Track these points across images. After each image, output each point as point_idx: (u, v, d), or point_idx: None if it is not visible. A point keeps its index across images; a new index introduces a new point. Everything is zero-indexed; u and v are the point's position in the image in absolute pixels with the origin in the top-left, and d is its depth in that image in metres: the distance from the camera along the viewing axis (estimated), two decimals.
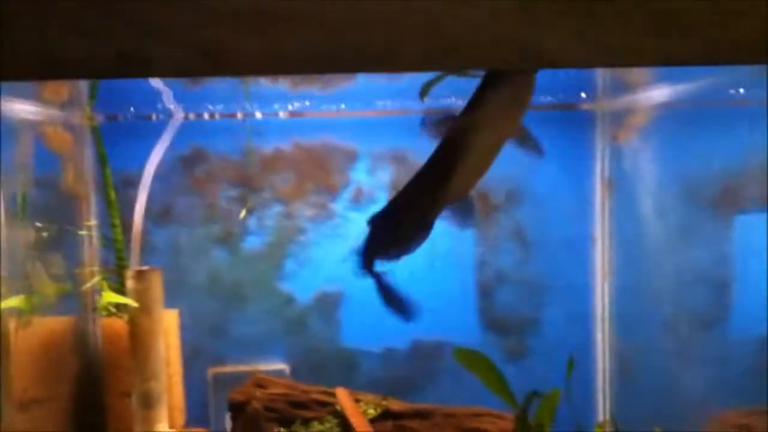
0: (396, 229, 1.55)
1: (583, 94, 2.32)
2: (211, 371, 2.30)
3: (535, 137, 1.46)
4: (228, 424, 2.28)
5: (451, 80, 1.43)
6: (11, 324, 1.89)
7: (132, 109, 2.20)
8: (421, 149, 2.34)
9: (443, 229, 2.36)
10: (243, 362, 2.31)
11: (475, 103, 1.32)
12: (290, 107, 2.26)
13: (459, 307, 2.39)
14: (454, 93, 2.14)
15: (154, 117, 2.20)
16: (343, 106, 2.24)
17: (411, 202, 1.51)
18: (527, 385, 2.18)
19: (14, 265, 1.90)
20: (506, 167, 2.34)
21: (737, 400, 1.97)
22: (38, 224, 1.85)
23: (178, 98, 2.09)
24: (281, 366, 2.32)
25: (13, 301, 1.84)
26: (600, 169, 2.38)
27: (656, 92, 2.11)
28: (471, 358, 1.70)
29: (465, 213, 1.52)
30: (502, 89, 1.27)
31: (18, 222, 1.82)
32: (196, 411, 2.25)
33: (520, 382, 2.26)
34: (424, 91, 1.44)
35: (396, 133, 2.33)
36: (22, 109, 1.84)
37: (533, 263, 2.39)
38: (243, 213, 2.28)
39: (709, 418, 2.04)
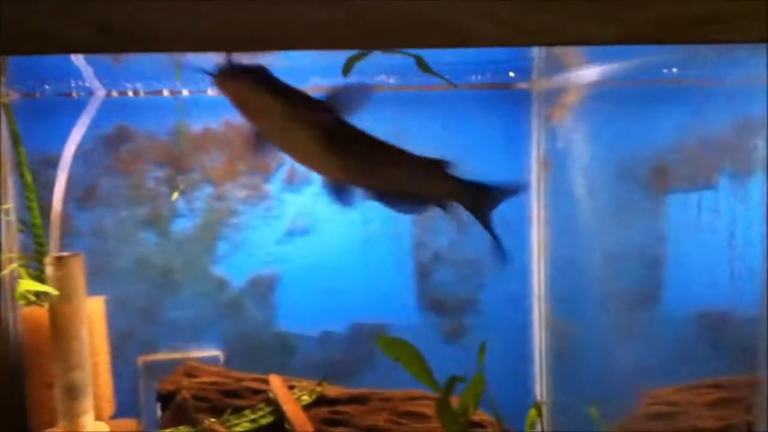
0: None
1: (513, 74, 2.30)
2: (142, 359, 2.22)
3: None
4: (160, 412, 2.22)
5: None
6: None
7: (50, 86, 2.08)
8: (363, 126, 2.30)
9: (378, 211, 2.34)
10: (175, 349, 2.24)
11: None
12: None
13: (397, 288, 2.37)
14: (381, 71, 2.11)
15: (74, 94, 2.08)
16: None
17: None
18: (467, 365, 2.18)
19: None
20: (440, 149, 2.32)
21: (670, 378, 2.00)
22: None
23: (101, 75, 1.98)
24: (215, 352, 2.26)
25: None
26: (536, 148, 2.37)
27: (590, 71, 2.10)
28: (394, 346, 1.67)
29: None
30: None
31: None
32: (127, 400, 2.17)
33: (460, 363, 2.26)
34: (347, 67, 1.39)
35: None
36: None
37: (470, 243, 2.37)
38: (175, 194, 2.19)
39: (640, 395, 2.07)
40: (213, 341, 2.28)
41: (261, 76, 1.23)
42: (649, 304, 2.19)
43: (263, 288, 2.30)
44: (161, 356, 2.23)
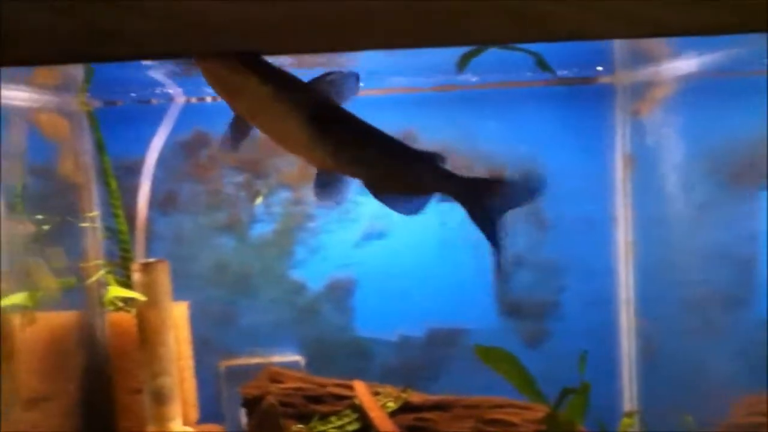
0: None
1: (600, 68, 2.22)
2: (223, 364, 2.23)
3: None
4: (243, 419, 2.22)
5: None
6: (16, 321, 1.81)
7: (131, 93, 2.10)
8: (430, 128, 2.26)
9: (455, 214, 2.29)
10: (255, 354, 2.24)
11: None
12: None
13: (475, 292, 2.31)
14: (470, 69, 2.06)
15: (154, 101, 2.10)
16: None
17: None
18: (548, 372, 2.10)
19: (14, 261, 1.82)
20: (522, 144, 2.26)
21: (763, 383, 1.90)
22: (38, 216, 1.77)
23: (179, 81, 1.99)
24: (296, 357, 2.25)
25: (17, 298, 1.76)
26: (620, 144, 2.28)
27: (679, 63, 2.01)
28: (493, 356, 1.61)
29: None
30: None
31: (17, 215, 1.74)
32: (209, 406, 2.18)
33: (540, 368, 2.19)
34: (463, 63, 1.33)
35: (404, 112, 2.24)
36: (12, 95, 1.74)
37: (551, 245, 2.30)
38: (258, 199, 2.19)
39: (734, 402, 1.98)
40: (291, 346, 2.27)
41: (246, 57, 1.13)
42: (740, 306, 2.09)
43: (340, 292, 2.28)
44: (242, 361, 2.23)
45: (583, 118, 2.30)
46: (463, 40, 1.02)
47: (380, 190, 1.31)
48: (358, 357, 2.28)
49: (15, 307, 1.81)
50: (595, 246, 2.30)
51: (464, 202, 1.34)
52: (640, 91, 2.20)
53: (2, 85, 1.57)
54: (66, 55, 0.89)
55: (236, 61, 1.09)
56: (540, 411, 1.96)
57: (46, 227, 1.78)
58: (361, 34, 0.90)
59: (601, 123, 2.30)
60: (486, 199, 1.33)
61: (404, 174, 1.31)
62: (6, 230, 1.71)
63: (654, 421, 2.16)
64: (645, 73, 2.16)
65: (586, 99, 2.31)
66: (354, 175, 1.27)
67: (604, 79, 2.28)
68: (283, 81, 1.15)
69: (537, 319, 2.33)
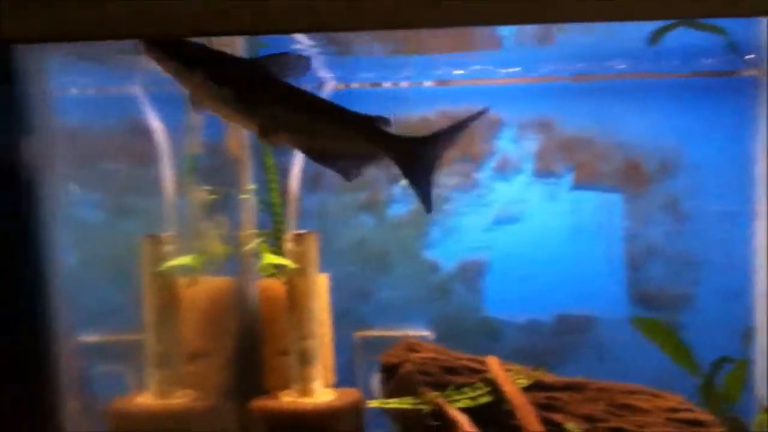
0: None
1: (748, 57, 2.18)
2: (358, 335, 2.36)
3: None
4: (374, 386, 2.33)
5: None
6: (181, 281, 2.01)
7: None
8: (568, 117, 2.30)
9: (588, 201, 2.32)
10: (388, 327, 2.35)
11: None
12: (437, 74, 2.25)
13: (607, 281, 2.33)
14: (619, 56, 2.08)
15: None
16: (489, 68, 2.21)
17: None
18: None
19: (184, 226, 2.02)
20: (661, 136, 2.26)
21: None
22: (207, 187, 1.95)
23: (327, 66, 2.13)
24: (425, 333, 2.35)
25: (185, 260, 1.95)
26: (763, 138, 2.23)
27: None
28: (650, 326, 1.64)
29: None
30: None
31: (189, 183, 1.92)
32: (343, 373, 2.31)
33: (670, 360, 2.18)
34: (656, 36, 1.38)
35: (542, 101, 2.29)
36: None
37: (687, 237, 2.28)
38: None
39: None
40: (422, 322, 2.37)
41: (174, 47, 1.30)
42: None
43: (472, 273, 2.35)
44: (375, 333, 2.35)
45: (725, 111, 2.27)
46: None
47: (317, 154, 1.45)
48: (486, 336, 2.35)
49: (182, 269, 2.01)
50: (733, 239, 2.26)
51: (399, 162, 1.42)
52: None
53: None
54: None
55: (161, 51, 1.29)
56: (672, 400, 1.96)
57: (214, 197, 1.96)
58: None
59: (743, 116, 2.26)
60: (421, 159, 1.41)
61: (339, 138, 1.42)
62: (176, 197, 1.90)
63: None
64: None
65: (729, 91, 2.27)
66: (290, 143, 1.45)
67: (749, 72, 2.23)
68: (211, 65, 1.31)
69: (669, 311, 2.31)
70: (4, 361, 1.36)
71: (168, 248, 1.99)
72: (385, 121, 1.42)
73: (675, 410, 1.93)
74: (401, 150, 1.42)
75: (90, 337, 1.87)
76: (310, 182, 2.33)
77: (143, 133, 2.09)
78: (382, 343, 2.28)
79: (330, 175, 2.32)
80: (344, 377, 2.30)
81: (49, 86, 1.61)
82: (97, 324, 1.91)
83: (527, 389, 1.96)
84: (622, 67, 2.10)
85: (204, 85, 1.32)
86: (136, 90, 2.11)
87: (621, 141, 2.25)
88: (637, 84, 2.21)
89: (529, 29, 1.72)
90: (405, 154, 1.42)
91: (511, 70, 2.20)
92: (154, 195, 2.08)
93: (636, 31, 1.71)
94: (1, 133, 1.43)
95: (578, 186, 2.30)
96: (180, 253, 1.99)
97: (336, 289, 2.27)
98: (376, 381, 2.29)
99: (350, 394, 2.06)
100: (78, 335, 1.65)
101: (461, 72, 2.21)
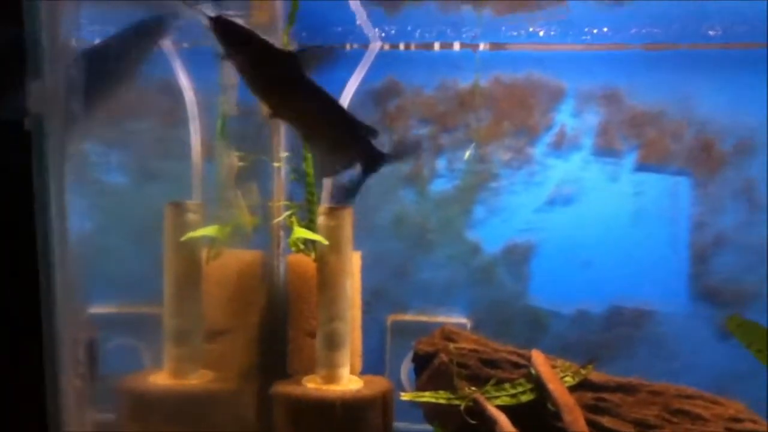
0: None
1: None
2: (391, 318, 2.21)
3: None
4: (404, 373, 2.19)
5: None
6: (204, 253, 1.88)
7: (324, 38, 2.09)
8: (636, 88, 2.07)
9: (652, 184, 2.10)
10: (423, 311, 2.19)
11: None
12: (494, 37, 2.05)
13: (667, 271, 2.12)
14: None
15: (348, 46, 2.08)
16: (552, 32, 2.00)
17: None
18: (743, 368, 1.90)
19: (211, 193, 1.88)
20: (739, 113, 2.02)
21: None
22: (237, 152, 1.80)
23: (375, 25, 1.95)
24: (462, 320, 2.19)
25: (208, 230, 1.81)
26: None
27: None
28: (747, 330, 1.44)
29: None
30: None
31: (218, 147, 1.78)
32: (372, 356, 2.17)
33: (734, 363, 1.98)
34: None
35: (609, 70, 2.07)
36: None
37: (762, 227, 2.05)
38: (467, 153, 2.11)
39: None
40: (460, 307, 2.20)
41: (231, 26, 1.44)
42: None
43: (517, 257, 2.17)
44: (409, 317, 2.20)
45: None
46: None
47: (312, 144, 1.64)
48: (530, 327, 2.18)
49: (206, 239, 1.87)
50: None
51: (366, 169, 1.58)
52: None
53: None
54: None
55: (222, 27, 1.42)
56: (731, 407, 1.77)
57: (244, 163, 1.81)
58: None
59: None
60: (377, 168, 1.59)
61: (330, 133, 1.57)
62: (203, 162, 1.76)
63: None
64: None
65: None
66: (293, 127, 1.61)
67: None
68: (253, 47, 1.47)
69: (735, 307, 2.09)
70: None
71: (193, 217, 1.84)
72: (374, 132, 1.57)
73: (737, 420, 1.75)
74: (373, 160, 1.58)
75: (105, 308, 1.75)
76: None
77: (172, 91, 1.96)
78: (416, 328, 2.14)
79: None
80: (373, 362, 2.16)
81: (72, 34, 1.48)
82: (114, 294, 1.79)
83: (574, 388, 1.78)
84: (711, 34, 1.87)
85: (243, 63, 1.49)
86: (167, 45, 1.97)
87: (693, 117, 2.02)
88: (715, 54, 1.98)
89: None
90: (373, 163, 1.58)
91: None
92: (180, 158, 1.94)
93: None
94: (11, 80, 1.30)
95: (642, 166, 2.09)
96: (205, 222, 1.85)
97: (370, 268, 2.12)
98: (406, 370, 2.14)
99: (379, 383, 1.91)
100: (90, 305, 1.53)
101: (520, 34, 2.00)
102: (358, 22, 1.92)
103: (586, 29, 1.99)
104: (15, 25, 1.29)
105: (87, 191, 1.56)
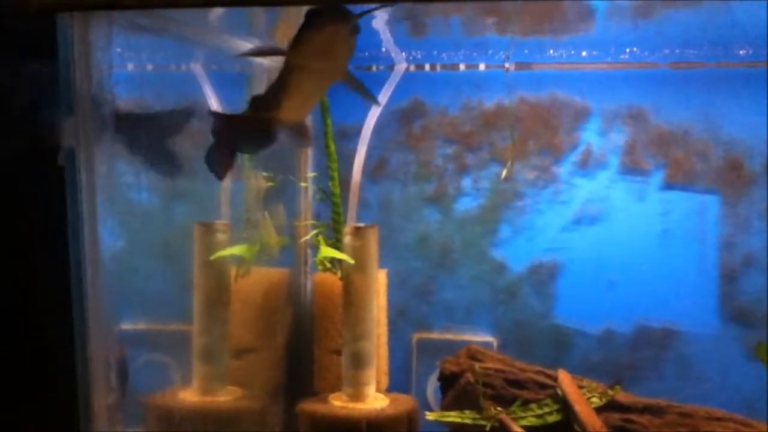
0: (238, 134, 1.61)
1: None
2: (416, 336, 2.21)
3: (364, 87, 1.58)
4: (429, 392, 2.19)
5: None
6: (232, 271, 1.90)
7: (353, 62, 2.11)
8: (663, 108, 2.07)
9: (680, 203, 2.09)
10: (449, 330, 2.19)
11: (294, 43, 1.37)
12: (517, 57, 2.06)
13: (695, 291, 2.10)
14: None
15: (374, 68, 2.10)
16: (579, 53, 2.00)
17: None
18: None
19: (238, 213, 1.91)
20: (765, 134, 2.00)
21: None
22: (264, 174, 1.83)
23: (400, 47, 1.98)
24: (488, 338, 2.18)
25: (237, 249, 1.84)
26: None
27: None
28: None
29: (299, 137, 1.61)
30: (317, 32, 1.31)
31: (245, 167, 1.81)
32: (397, 375, 2.17)
33: (764, 385, 1.95)
34: None
35: (634, 89, 2.07)
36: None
37: None
38: (504, 172, 2.12)
39: None
40: (486, 326, 2.20)
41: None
42: None
43: (543, 276, 2.16)
44: (435, 335, 2.20)
45: None
46: None
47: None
48: (556, 346, 2.16)
49: (234, 259, 1.90)
50: None
51: None
52: None
53: (246, 41, 1.64)
54: None
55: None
56: (763, 430, 1.75)
57: (271, 184, 1.84)
58: None
59: None
60: None
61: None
62: (241, 182, 1.79)
63: None
64: None
65: None
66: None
67: None
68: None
69: (764, 329, 2.06)
70: (31, 349, 1.28)
71: (221, 236, 1.87)
72: None
73: None
74: None
75: (134, 325, 1.78)
76: (372, 171, 2.19)
77: (200, 112, 2.00)
78: (442, 347, 2.14)
79: (395, 164, 2.21)
80: (398, 381, 2.16)
81: (102, 61, 1.52)
82: (144, 312, 1.82)
83: (600, 409, 1.77)
84: (742, 53, 1.86)
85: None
86: (196, 68, 2.01)
87: (722, 136, 2.01)
88: (743, 73, 1.96)
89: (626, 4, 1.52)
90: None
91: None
92: (208, 180, 1.98)
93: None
94: (45, 117, 1.35)
95: (669, 185, 2.08)
96: (233, 242, 1.88)
97: (395, 287, 2.13)
98: (432, 388, 2.14)
99: (405, 401, 1.91)
100: (119, 323, 1.56)
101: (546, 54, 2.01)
102: (383, 48, 1.95)
103: (612, 49, 2.00)
104: (49, 63, 1.34)
105: (118, 211, 1.60)
